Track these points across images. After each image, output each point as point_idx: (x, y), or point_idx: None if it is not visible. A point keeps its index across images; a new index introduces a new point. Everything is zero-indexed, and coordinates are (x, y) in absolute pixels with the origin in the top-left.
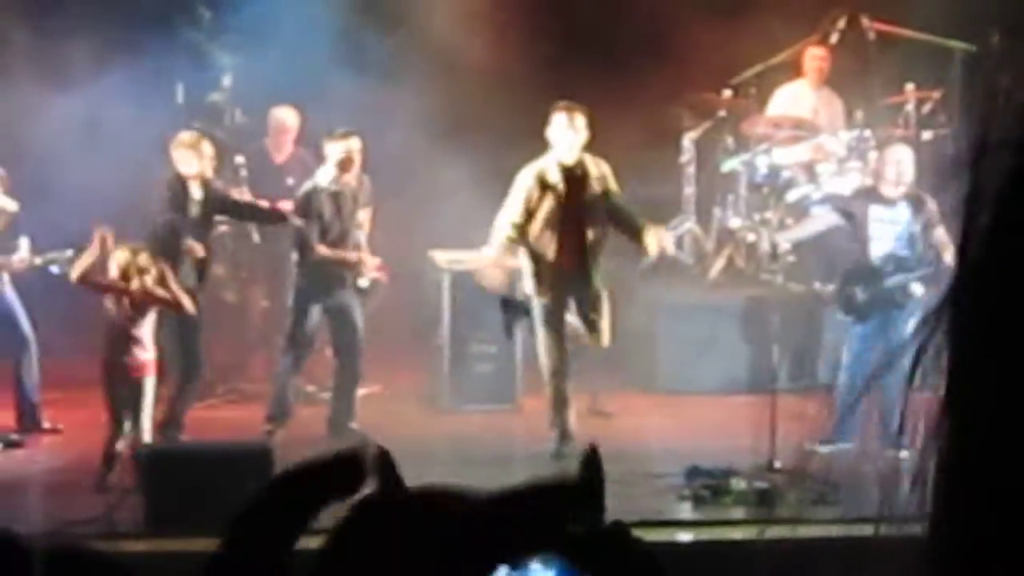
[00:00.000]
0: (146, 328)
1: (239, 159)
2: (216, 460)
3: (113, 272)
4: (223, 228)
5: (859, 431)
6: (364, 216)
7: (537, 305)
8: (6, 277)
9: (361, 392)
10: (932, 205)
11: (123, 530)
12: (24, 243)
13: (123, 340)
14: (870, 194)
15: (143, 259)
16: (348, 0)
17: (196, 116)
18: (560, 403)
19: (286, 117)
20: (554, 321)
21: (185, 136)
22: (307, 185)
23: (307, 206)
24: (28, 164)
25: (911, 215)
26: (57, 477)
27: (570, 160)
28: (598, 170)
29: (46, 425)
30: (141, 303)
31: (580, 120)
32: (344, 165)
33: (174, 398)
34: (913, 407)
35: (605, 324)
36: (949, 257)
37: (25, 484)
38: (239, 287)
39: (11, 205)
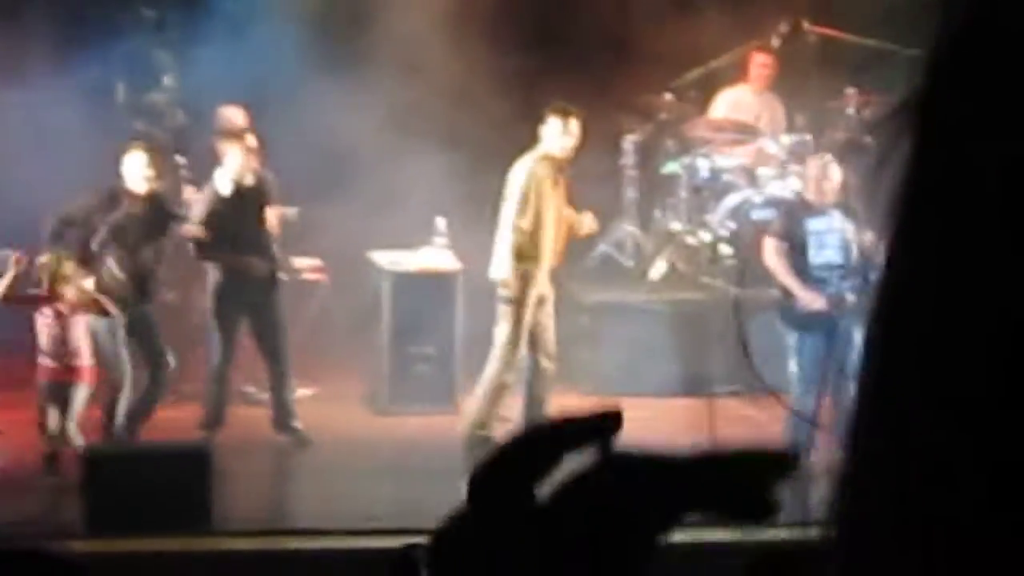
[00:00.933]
0: (78, 334)
1: (180, 159)
2: (156, 460)
3: (43, 281)
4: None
5: (809, 438)
6: (272, 214)
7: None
8: None
9: (301, 392)
10: (862, 212)
11: (63, 530)
12: None
13: (55, 347)
14: (802, 205)
15: (68, 267)
16: None
17: (137, 116)
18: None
19: (233, 115)
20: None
21: (131, 144)
22: (205, 190)
23: (204, 211)
24: None
25: (843, 222)
26: None
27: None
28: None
29: None
30: (70, 311)
31: (575, 125)
32: (245, 163)
33: (142, 399)
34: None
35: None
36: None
37: None
38: (179, 287)
39: None
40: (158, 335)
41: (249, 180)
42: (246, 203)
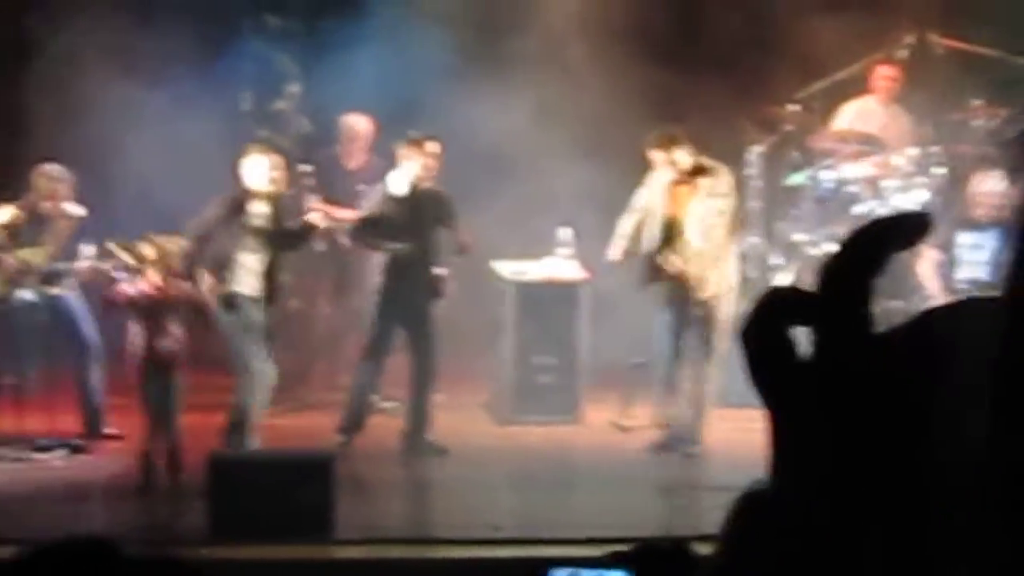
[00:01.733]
0: (176, 318)
1: (306, 168)
2: (280, 468)
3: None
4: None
5: None
6: (453, 224)
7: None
8: (72, 282)
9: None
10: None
11: (185, 537)
12: (89, 249)
13: (154, 331)
14: (961, 219)
15: (173, 246)
16: (417, 5)
17: (262, 124)
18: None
19: (357, 124)
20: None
21: (252, 148)
22: (376, 190)
23: (377, 214)
24: (96, 170)
25: (998, 241)
26: (120, 483)
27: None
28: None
29: (110, 431)
30: (170, 295)
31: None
32: (422, 171)
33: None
34: None
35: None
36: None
37: (89, 490)
38: (304, 295)
39: (77, 210)
40: (270, 346)
41: (424, 186)
42: (419, 208)
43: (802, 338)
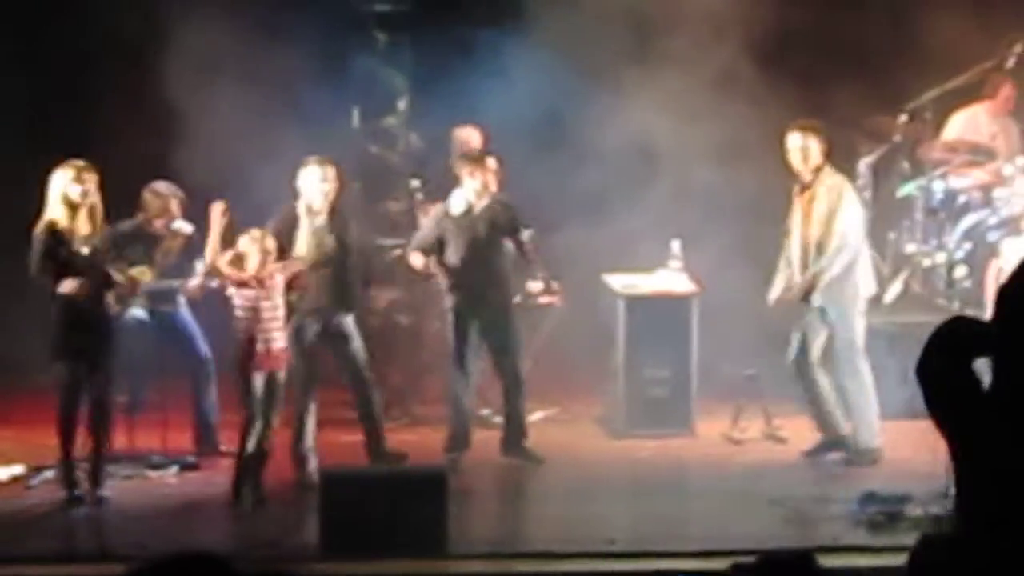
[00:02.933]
0: (279, 314)
1: (415, 183)
2: (392, 484)
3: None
4: (397, 252)
5: None
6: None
7: None
8: (183, 299)
9: (540, 415)
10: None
11: (298, 553)
12: (200, 266)
13: (256, 330)
14: (1011, 226)
15: (268, 241)
16: (520, 20)
17: (371, 140)
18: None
19: (470, 136)
20: None
21: (308, 160)
22: (436, 209)
23: (430, 231)
24: (206, 190)
25: None
26: (232, 499)
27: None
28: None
29: (223, 448)
30: (269, 283)
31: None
32: (482, 188)
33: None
34: None
35: None
36: None
37: (201, 507)
38: (413, 310)
39: (187, 228)
40: (358, 350)
41: (485, 202)
42: (479, 225)
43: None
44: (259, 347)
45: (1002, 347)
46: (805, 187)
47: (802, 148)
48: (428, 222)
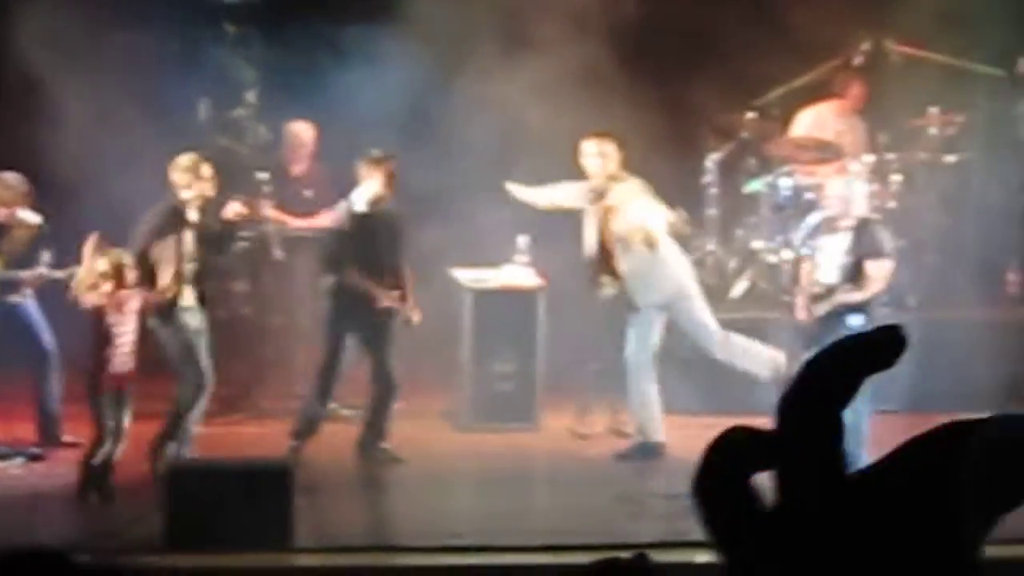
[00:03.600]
0: (131, 339)
1: (262, 175)
2: (236, 477)
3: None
4: (244, 244)
5: None
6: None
7: None
8: (28, 291)
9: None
10: (877, 235)
11: (142, 545)
12: (45, 257)
13: (109, 354)
14: (823, 223)
15: (126, 262)
16: (371, 15)
17: (219, 132)
18: None
19: (301, 131)
20: None
21: (183, 160)
22: (340, 206)
23: (341, 229)
24: (55, 179)
25: (851, 244)
26: (76, 491)
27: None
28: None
29: (66, 439)
30: (126, 308)
31: (609, 147)
32: (382, 189)
33: (185, 412)
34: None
35: None
36: (872, 286)
37: (45, 498)
38: (258, 303)
39: (34, 219)
40: (206, 353)
41: (383, 204)
42: (378, 227)
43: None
44: (110, 370)
45: (783, 461)
46: (600, 194)
47: (599, 154)
48: (334, 219)
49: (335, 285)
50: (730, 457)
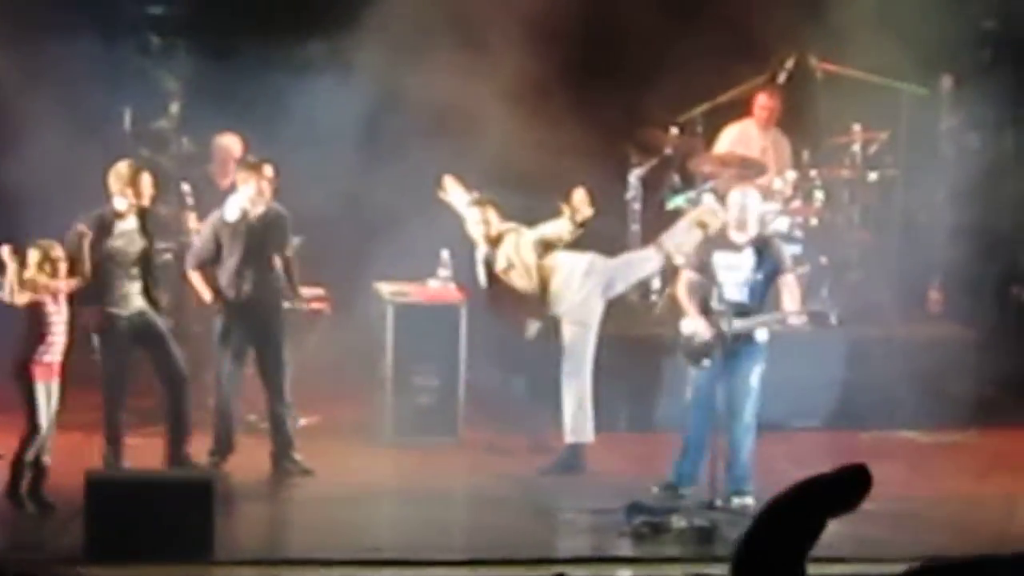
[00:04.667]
0: (63, 328)
1: (185, 187)
2: (158, 489)
3: (30, 272)
4: (167, 256)
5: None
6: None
7: None
8: None
9: (304, 421)
10: (781, 251)
11: (64, 555)
12: None
13: (43, 342)
14: (718, 240)
15: (56, 252)
16: (293, 25)
17: (142, 143)
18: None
19: (230, 144)
20: None
21: (121, 168)
22: (212, 216)
23: (206, 237)
24: None
25: (755, 261)
26: (4, 492)
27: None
28: None
29: None
30: (59, 298)
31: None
32: (257, 195)
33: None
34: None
35: None
36: (787, 302)
37: None
38: (177, 313)
39: None
40: (172, 349)
41: (260, 209)
42: (253, 233)
43: None
44: (43, 359)
45: None
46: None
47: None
48: (204, 230)
49: (219, 298)
50: None
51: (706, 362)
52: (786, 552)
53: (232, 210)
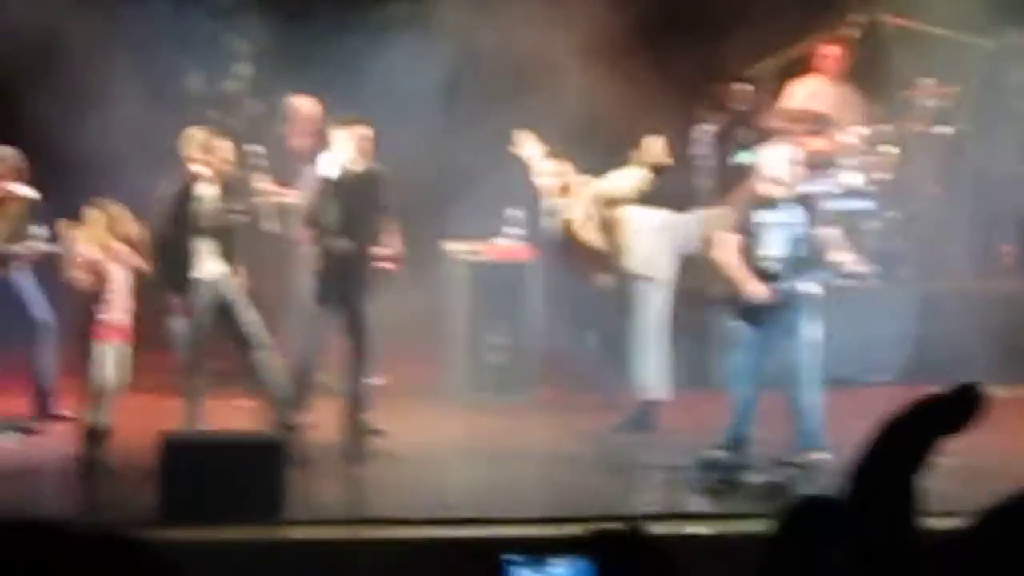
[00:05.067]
0: (124, 287)
1: (256, 148)
2: (231, 450)
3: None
4: (241, 218)
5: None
6: (387, 207)
7: None
8: (22, 265)
9: (378, 381)
10: (817, 205)
11: (137, 518)
12: (41, 231)
13: (101, 300)
14: (756, 198)
15: (121, 213)
16: None
17: (212, 106)
18: None
19: (303, 105)
20: None
21: (197, 134)
22: (307, 174)
23: (313, 196)
24: (49, 152)
25: (799, 216)
26: (71, 464)
27: None
28: None
29: (61, 413)
30: (122, 259)
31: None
32: (353, 152)
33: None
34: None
35: None
36: (835, 256)
37: (40, 471)
38: (252, 276)
39: (28, 192)
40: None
41: (359, 168)
42: (352, 191)
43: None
44: (107, 319)
45: (858, 532)
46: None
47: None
48: (307, 188)
49: (315, 252)
50: (802, 524)
51: (763, 321)
52: (899, 472)
53: (330, 167)
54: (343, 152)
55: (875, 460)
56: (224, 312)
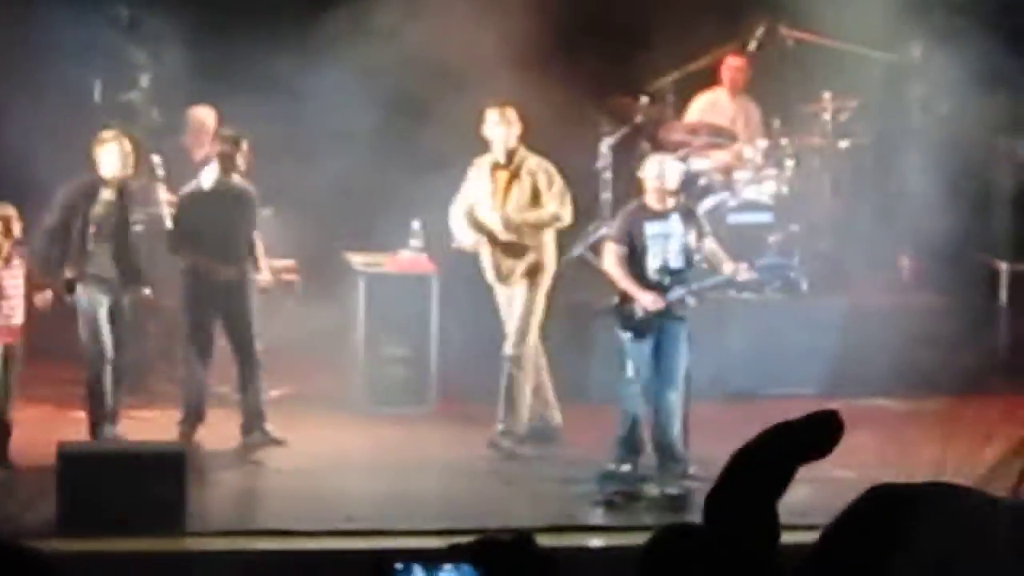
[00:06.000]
0: (20, 291)
1: (156, 158)
2: (130, 462)
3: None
4: (138, 227)
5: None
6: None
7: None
8: None
9: (273, 394)
10: (702, 217)
11: (36, 529)
12: None
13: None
14: (641, 209)
15: (6, 211)
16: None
17: (113, 115)
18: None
19: (205, 116)
20: None
21: (105, 135)
22: (188, 187)
23: (187, 208)
24: None
25: (683, 227)
26: None
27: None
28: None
29: None
30: (13, 261)
31: (511, 114)
32: (227, 166)
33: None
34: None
35: None
36: (726, 268)
37: None
38: (152, 286)
39: None
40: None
41: (235, 182)
42: (227, 204)
43: None
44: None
45: (718, 562)
46: (500, 167)
47: (503, 122)
48: (183, 195)
49: (186, 266)
50: (667, 559)
51: (646, 333)
52: (756, 499)
53: (208, 179)
54: (220, 166)
55: (732, 487)
56: (115, 319)
